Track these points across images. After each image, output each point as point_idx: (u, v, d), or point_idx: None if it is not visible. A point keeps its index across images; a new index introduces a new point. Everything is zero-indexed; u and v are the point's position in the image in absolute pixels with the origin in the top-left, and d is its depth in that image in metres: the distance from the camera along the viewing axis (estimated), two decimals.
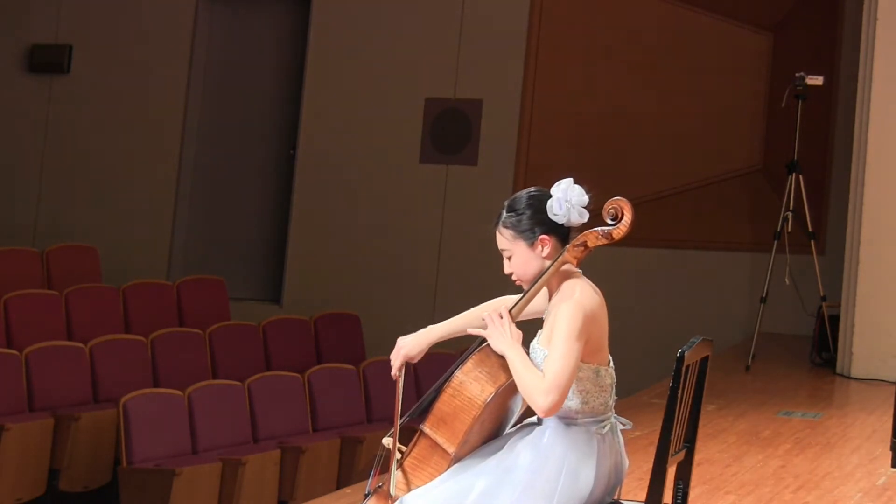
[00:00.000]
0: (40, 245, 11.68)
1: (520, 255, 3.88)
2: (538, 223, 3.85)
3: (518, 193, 3.93)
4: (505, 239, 3.89)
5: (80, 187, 12.59)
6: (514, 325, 3.83)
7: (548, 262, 3.85)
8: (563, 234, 3.86)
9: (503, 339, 3.80)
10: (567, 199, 3.83)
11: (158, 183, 12.49)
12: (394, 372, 3.99)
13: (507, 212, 3.89)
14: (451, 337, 4.06)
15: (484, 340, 3.85)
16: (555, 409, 3.68)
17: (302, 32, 12.39)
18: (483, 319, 3.88)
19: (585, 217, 3.85)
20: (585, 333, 3.73)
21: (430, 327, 4.05)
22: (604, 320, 3.82)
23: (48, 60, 12.73)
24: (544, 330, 3.83)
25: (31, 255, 11.14)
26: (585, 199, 3.84)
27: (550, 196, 3.85)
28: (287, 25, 12.56)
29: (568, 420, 3.80)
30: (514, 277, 3.93)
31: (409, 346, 4.01)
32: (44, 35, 12.80)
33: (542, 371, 3.71)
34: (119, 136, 12.57)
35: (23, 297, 10.04)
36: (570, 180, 3.85)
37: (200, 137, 12.65)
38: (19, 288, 10.16)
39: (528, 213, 3.86)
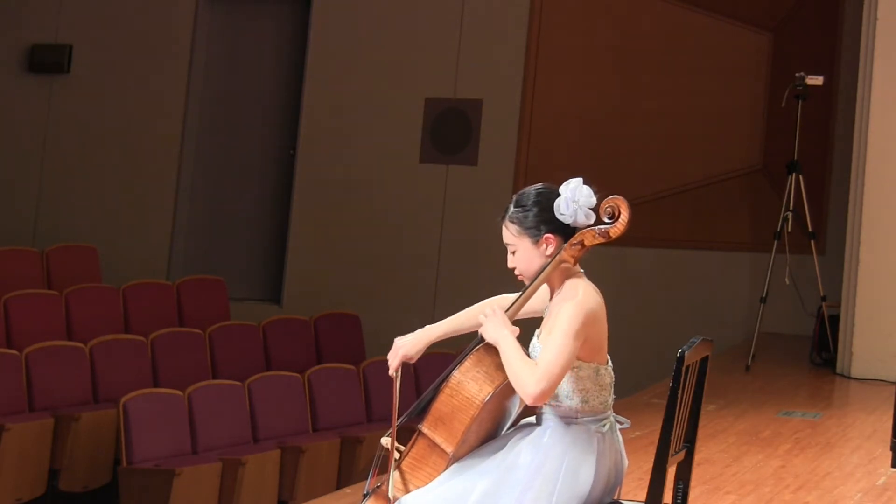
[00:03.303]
0: (40, 245, 11.67)
1: (524, 252, 3.87)
2: (544, 221, 3.84)
3: (526, 188, 3.92)
4: (510, 234, 3.89)
5: (80, 187, 12.58)
6: (508, 321, 3.82)
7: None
8: (568, 233, 3.84)
9: (497, 329, 3.79)
10: (575, 200, 3.81)
11: (158, 183, 12.48)
12: (391, 371, 3.99)
13: (515, 206, 3.88)
14: (449, 336, 4.06)
15: (482, 340, 3.85)
16: (543, 399, 3.68)
17: (302, 32, 12.38)
18: (480, 317, 3.88)
19: (592, 219, 3.83)
20: (584, 333, 3.73)
21: (428, 327, 4.05)
22: (604, 320, 3.83)
23: (48, 60, 12.73)
24: (544, 328, 3.83)
25: (31, 255, 11.14)
26: (593, 200, 3.83)
27: (559, 194, 3.83)
28: (287, 25, 12.56)
29: (568, 419, 3.81)
30: (516, 272, 3.92)
31: (407, 346, 4.01)
32: (44, 35, 12.80)
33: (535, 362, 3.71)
34: (119, 135, 12.56)
35: (23, 297, 10.03)
36: (579, 180, 3.83)
37: (200, 137, 12.65)
38: (19, 288, 10.16)
39: (534, 210, 3.85)
